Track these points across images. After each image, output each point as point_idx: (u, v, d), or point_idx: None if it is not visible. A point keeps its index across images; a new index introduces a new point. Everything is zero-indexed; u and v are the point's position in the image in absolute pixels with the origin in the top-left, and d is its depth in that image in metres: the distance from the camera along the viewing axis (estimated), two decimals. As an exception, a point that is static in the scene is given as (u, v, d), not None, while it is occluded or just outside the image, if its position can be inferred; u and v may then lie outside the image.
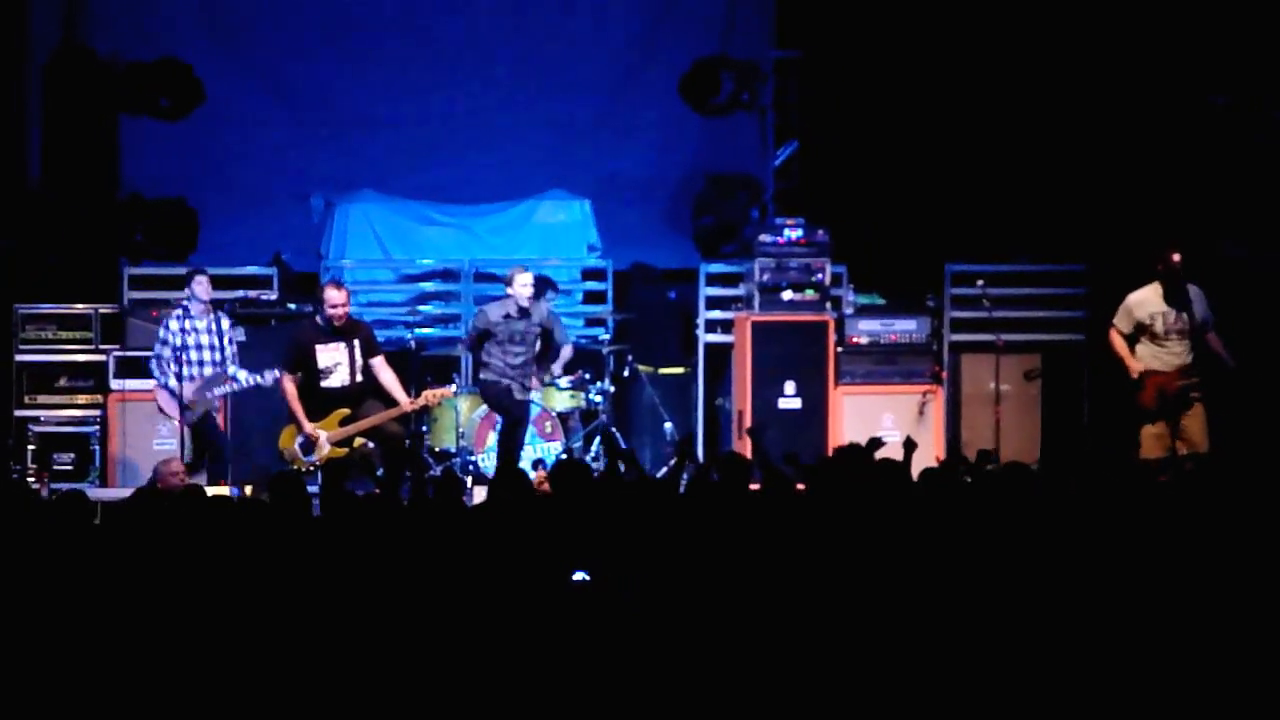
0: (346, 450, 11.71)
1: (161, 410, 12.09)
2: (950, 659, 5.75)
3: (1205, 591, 6.11)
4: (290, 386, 11.71)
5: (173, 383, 11.77)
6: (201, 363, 11.88)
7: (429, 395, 12.01)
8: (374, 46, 14.92)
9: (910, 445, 8.87)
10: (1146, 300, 11.75)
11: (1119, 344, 11.80)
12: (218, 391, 11.94)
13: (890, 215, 14.19)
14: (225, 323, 12.09)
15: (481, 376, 12.34)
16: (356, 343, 11.81)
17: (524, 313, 12.18)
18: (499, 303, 12.27)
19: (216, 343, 11.94)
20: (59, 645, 5.81)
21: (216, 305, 12.23)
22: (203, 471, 11.82)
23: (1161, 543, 6.68)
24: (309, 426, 11.68)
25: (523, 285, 12.14)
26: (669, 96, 15.00)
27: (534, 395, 12.62)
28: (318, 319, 11.88)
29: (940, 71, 14.32)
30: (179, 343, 11.79)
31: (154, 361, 12.02)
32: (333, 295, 11.74)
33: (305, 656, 5.77)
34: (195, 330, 11.88)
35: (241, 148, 14.74)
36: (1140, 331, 11.75)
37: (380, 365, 11.88)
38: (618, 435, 13.14)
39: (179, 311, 11.96)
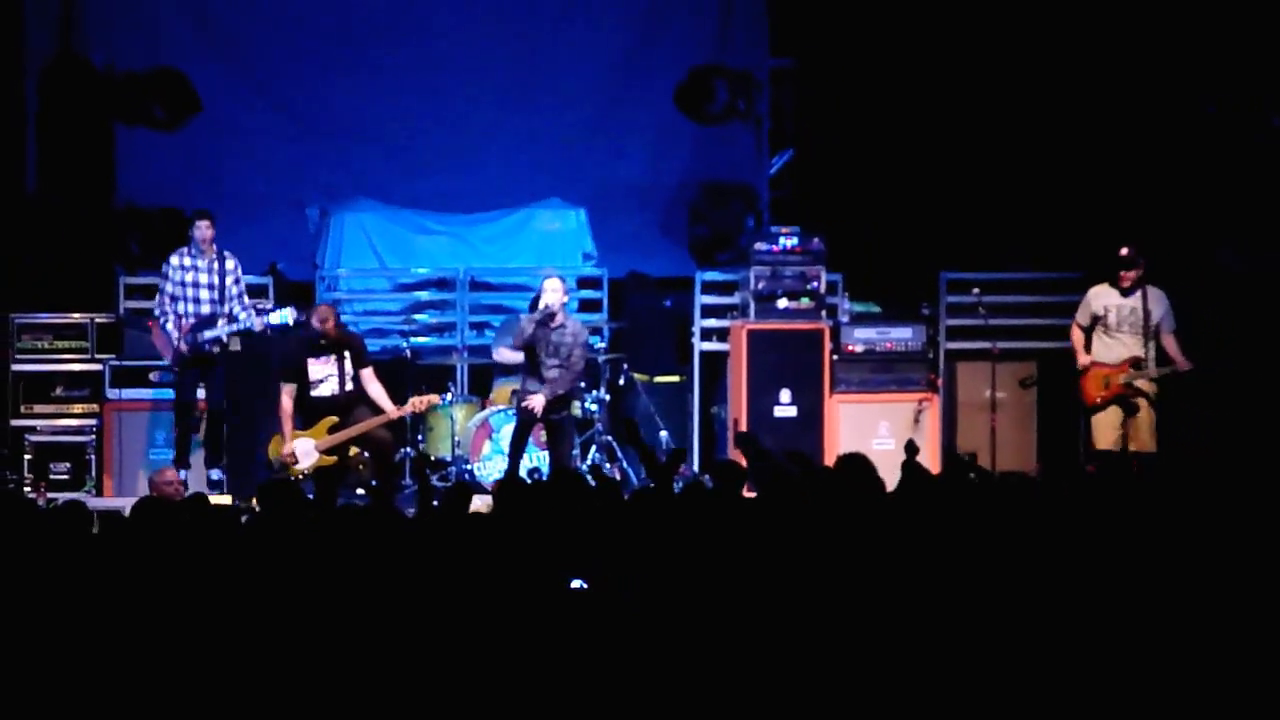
0: (336, 459, 11.76)
1: (157, 349, 12.30)
2: (945, 663, 5.75)
3: (1198, 595, 6.11)
4: (287, 401, 11.74)
5: (170, 326, 11.96)
6: (199, 300, 12.10)
7: (415, 402, 12.02)
8: (370, 55, 14.86)
9: (912, 449, 8.84)
10: (1102, 293, 12.01)
11: (1075, 337, 12.22)
12: (209, 335, 12.01)
13: (886, 223, 14.19)
14: (230, 263, 12.24)
15: (516, 388, 12.25)
16: (347, 354, 11.88)
17: (552, 323, 11.84)
18: (533, 313, 12.17)
19: (216, 282, 12.08)
20: (57, 655, 5.80)
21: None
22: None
23: (1152, 547, 6.68)
24: (288, 445, 11.74)
25: (550, 291, 11.88)
26: (664, 105, 14.99)
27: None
28: (311, 328, 11.95)
29: (936, 80, 14.33)
30: (178, 279, 12.09)
31: (158, 297, 12.26)
32: (323, 311, 11.89)
33: (304, 666, 5.77)
34: (196, 269, 12.11)
35: (237, 157, 14.70)
36: (1095, 323, 12.08)
37: (369, 377, 11.91)
38: (615, 445, 13.16)
39: (183, 249, 12.20)
